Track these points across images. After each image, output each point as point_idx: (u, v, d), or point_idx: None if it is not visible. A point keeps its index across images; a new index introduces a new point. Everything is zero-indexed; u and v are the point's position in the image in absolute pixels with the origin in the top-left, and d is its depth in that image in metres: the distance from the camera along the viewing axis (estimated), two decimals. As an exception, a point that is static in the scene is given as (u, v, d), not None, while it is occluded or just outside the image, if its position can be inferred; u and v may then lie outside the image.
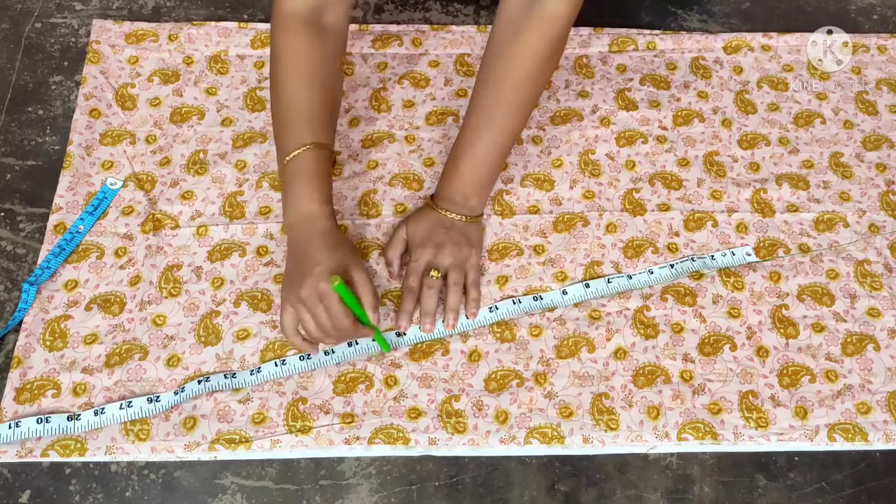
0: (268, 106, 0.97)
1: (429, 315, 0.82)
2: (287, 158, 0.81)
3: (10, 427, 0.75)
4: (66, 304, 0.83)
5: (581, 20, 1.07)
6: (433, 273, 0.82)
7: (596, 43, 1.05)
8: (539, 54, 0.82)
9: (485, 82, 0.84)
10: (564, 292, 0.85)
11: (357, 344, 0.80)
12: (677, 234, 0.90)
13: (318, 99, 0.84)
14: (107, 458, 0.75)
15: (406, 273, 0.84)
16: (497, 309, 0.84)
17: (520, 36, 0.82)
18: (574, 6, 0.82)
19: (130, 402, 0.77)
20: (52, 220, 0.88)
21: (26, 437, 0.75)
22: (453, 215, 0.84)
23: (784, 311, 0.86)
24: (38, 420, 0.75)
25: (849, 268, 0.89)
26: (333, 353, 0.80)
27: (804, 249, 0.90)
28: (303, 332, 0.78)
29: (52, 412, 0.76)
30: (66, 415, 0.76)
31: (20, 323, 0.82)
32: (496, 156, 0.86)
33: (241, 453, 0.76)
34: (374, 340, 0.80)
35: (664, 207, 0.92)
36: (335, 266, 0.76)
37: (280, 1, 0.84)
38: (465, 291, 0.84)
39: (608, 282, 0.86)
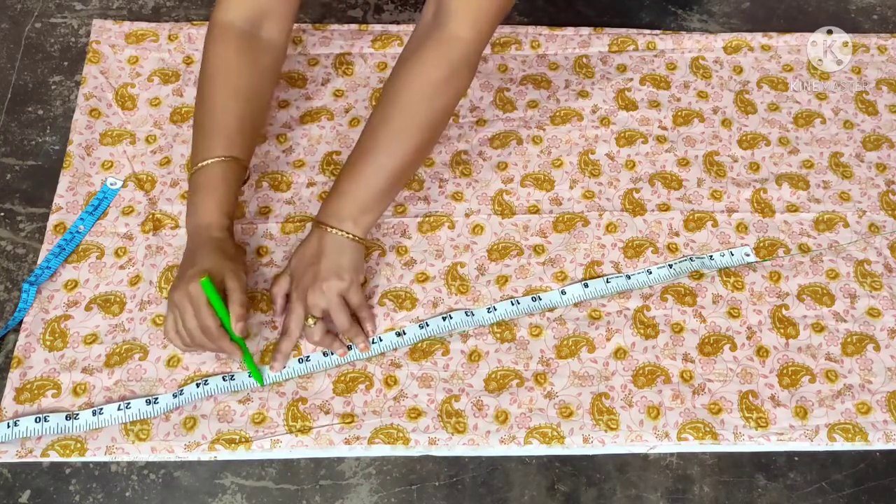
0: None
1: (321, 345, 0.80)
2: (196, 167, 0.81)
3: (8, 426, 0.75)
4: (66, 304, 0.83)
5: (581, 20, 1.08)
6: (309, 320, 0.79)
7: (596, 43, 1.05)
8: (433, 76, 0.79)
9: (379, 101, 0.81)
10: (563, 292, 0.85)
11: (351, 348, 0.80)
12: (677, 234, 0.90)
13: (238, 113, 0.83)
14: (107, 458, 0.75)
15: (285, 316, 0.81)
16: (495, 310, 0.84)
17: (416, 55, 0.80)
18: (477, 32, 0.79)
19: (129, 403, 0.76)
20: (52, 220, 0.88)
21: (25, 436, 0.75)
22: (335, 231, 0.78)
23: (784, 311, 0.86)
24: (36, 419, 0.75)
25: (849, 268, 0.89)
26: (332, 354, 0.80)
27: (804, 249, 0.90)
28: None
29: (52, 412, 0.76)
30: (65, 414, 0.76)
31: (20, 323, 0.82)
32: (381, 180, 0.79)
33: (241, 453, 0.76)
34: (247, 369, 0.78)
35: (664, 207, 0.92)
36: (209, 269, 0.75)
37: (217, 9, 0.84)
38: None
39: (607, 282, 0.86)
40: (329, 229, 0.79)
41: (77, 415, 0.76)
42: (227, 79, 0.84)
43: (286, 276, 0.82)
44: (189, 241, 0.80)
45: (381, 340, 0.81)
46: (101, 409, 0.76)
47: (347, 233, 0.79)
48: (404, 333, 0.82)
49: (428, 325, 0.82)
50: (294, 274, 0.81)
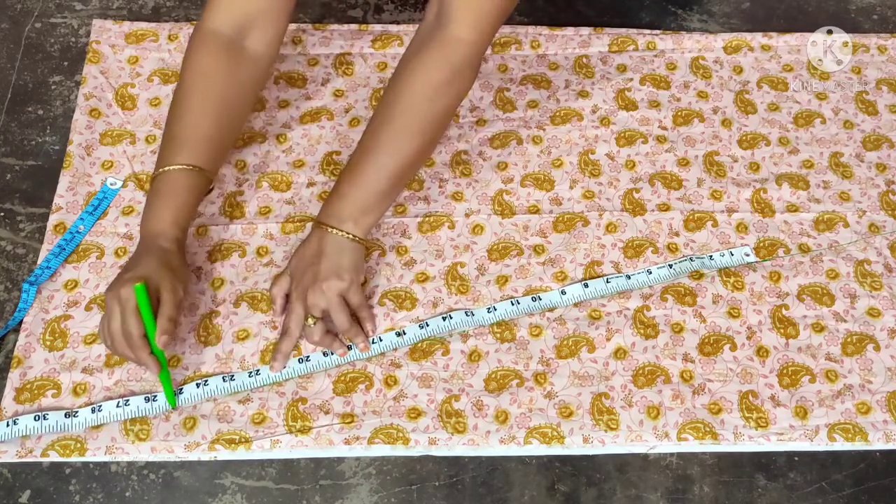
0: (268, 106, 0.98)
1: (321, 345, 0.80)
2: (157, 172, 0.80)
3: (7, 425, 0.75)
4: (66, 304, 0.83)
5: (581, 20, 1.08)
6: (308, 320, 0.79)
7: (596, 43, 1.05)
8: (434, 78, 0.79)
9: (380, 102, 0.81)
10: (563, 292, 0.85)
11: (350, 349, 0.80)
12: (677, 234, 0.90)
13: (209, 123, 0.82)
14: (107, 458, 0.75)
15: (285, 316, 0.81)
16: (495, 310, 0.84)
17: (418, 57, 0.80)
18: (479, 34, 0.79)
19: (128, 400, 0.77)
20: (52, 220, 0.88)
21: (24, 434, 0.75)
22: (335, 231, 0.79)
23: (784, 311, 0.86)
24: (35, 417, 0.75)
25: (849, 268, 0.89)
26: (332, 354, 0.80)
27: (804, 249, 0.90)
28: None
29: (52, 410, 0.76)
30: (64, 412, 0.76)
31: (20, 323, 0.82)
32: (382, 181, 0.79)
33: (241, 453, 0.76)
34: (164, 390, 0.77)
35: (664, 207, 0.92)
36: (147, 276, 0.74)
37: (204, 15, 0.83)
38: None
39: (607, 282, 0.86)
40: (329, 229, 0.79)
41: (76, 412, 0.76)
42: (202, 87, 0.82)
43: (286, 276, 0.82)
44: (138, 246, 0.79)
45: (381, 340, 0.81)
46: (100, 406, 0.76)
47: (348, 233, 0.79)
48: (404, 333, 0.82)
49: (428, 325, 0.82)
50: (294, 274, 0.81)
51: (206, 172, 0.82)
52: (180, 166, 0.80)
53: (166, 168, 0.80)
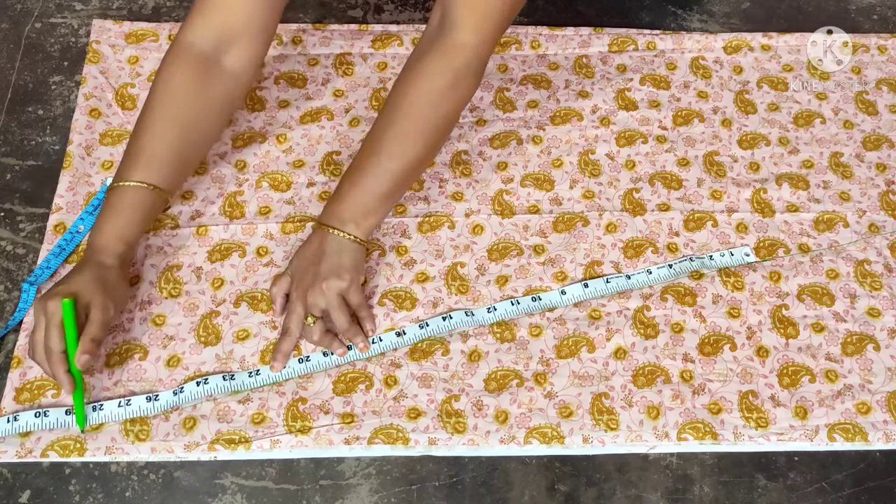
0: (268, 106, 0.98)
1: (321, 345, 0.80)
2: (112, 185, 0.79)
3: (8, 421, 0.75)
4: (66, 304, 0.83)
5: (581, 20, 1.08)
6: (308, 320, 0.79)
7: (596, 43, 1.05)
8: (438, 82, 0.79)
9: (384, 106, 0.82)
10: (563, 292, 0.85)
11: (350, 349, 0.80)
12: (677, 234, 0.90)
13: (171, 141, 0.80)
14: (107, 459, 0.75)
15: (285, 316, 0.81)
16: (495, 310, 0.84)
17: (421, 61, 0.80)
18: (482, 40, 0.79)
19: (129, 400, 0.77)
20: (52, 220, 0.88)
21: (24, 430, 0.75)
22: (336, 233, 0.79)
23: (784, 311, 0.86)
24: (35, 414, 0.75)
25: (849, 268, 0.89)
26: (332, 354, 0.80)
27: (804, 249, 0.90)
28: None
29: (52, 408, 0.76)
30: (65, 409, 0.76)
31: (20, 323, 0.82)
32: (384, 183, 0.80)
33: (240, 453, 0.76)
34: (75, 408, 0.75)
35: (664, 207, 0.92)
36: (79, 292, 0.73)
37: (183, 27, 0.82)
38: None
39: (607, 282, 0.86)
40: (330, 230, 0.79)
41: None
42: (169, 102, 0.80)
43: (286, 276, 0.82)
44: (84, 256, 0.78)
45: (380, 340, 0.81)
46: (102, 405, 0.76)
47: (349, 234, 0.79)
48: (404, 333, 0.82)
49: (428, 325, 0.82)
50: (294, 274, 0.81)
51: (162, 191, 0.80)
52: (135, 183, 0.78)
53: (120, 183, 0.78)
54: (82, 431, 0.75)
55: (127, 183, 0.78)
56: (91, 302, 0.74)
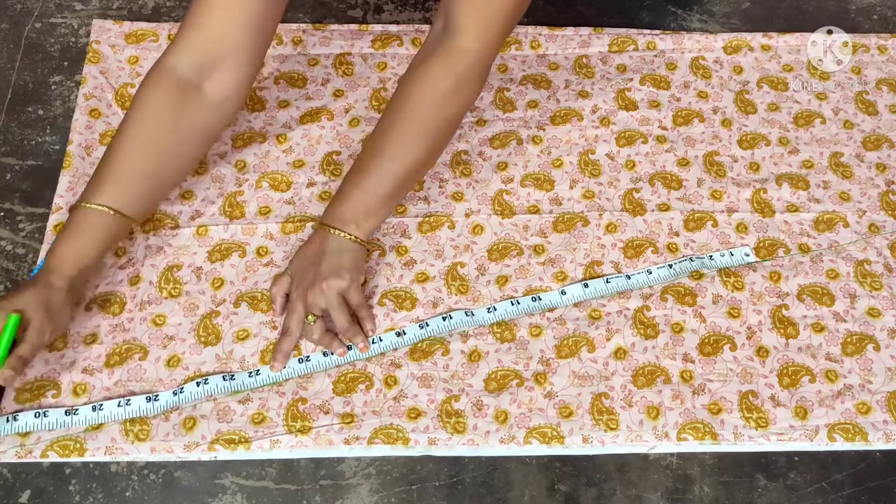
0: (268, 106, 0.98)
1: (321, 344, 0.79)
2: (78, 204, 0.77)
3: (7, 420, 0.75)
4: (66, 304, 0.83)
5: (581, 20, 1.08)
6: (308, 318, 0.78)
7: (596, 43, 1.05)
8: (441, 86, 0.79)
9: (387, 107, 0.82)
10: (563, 292, 0.85)
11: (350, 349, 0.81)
12: (677, 234, 0.90)
13: (143, 168, 0.78)
14: (107, 459, 0.75)
15: (285, 315, 0.81)
16: (495, 310, 0.84)
17: (425, 65, 0.80)
18: (486, 44, 0.79)
19: (129, 400, 0.77)
20: (52, 220, 0.88)
21: (24, 430, 0.75)
22: (337, 233, 0.79)
23: (784, 311, 0.86)
24: (35, 414, 0.75)
25: (849, 268, 0.89)
26: (332, 354, 0.80)
27: (804, 249, 0.90)
28: None
29: (52, 409, 0.76)
30: (64, 409, 0.76)
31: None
32: (387, 185, 0.80)
33: (240, 453, 0.76)
34: None
35: (664, 207, 0.92)
36: (23, 309, 0.72)
37: (168, 48, 0.79)
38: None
39: (607, 282, 0.86)
40: (331, 230, 0.79)
41: (76, 410, 0.76)
42: (144, 126, 0.78)
43: (286, 276, 0.82)
44: (39, 272, 0.77)
45: (380, 340, 0.81)
46: (101, 405, 0.76)
47: (349, 234, 0.79)
48: (404, 333, 0.82)
49: (428, 325, 0.82)
50: (295, 273, 0.81)
51: (126, 218, 0.78)
52: (98, 206, 0.76)
53: (84, 204, 0.76)
54: None
55: (90, 205, 0.76)
56: (31, 322, 0.73)
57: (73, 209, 0.78)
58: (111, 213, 0.77)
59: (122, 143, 0.78)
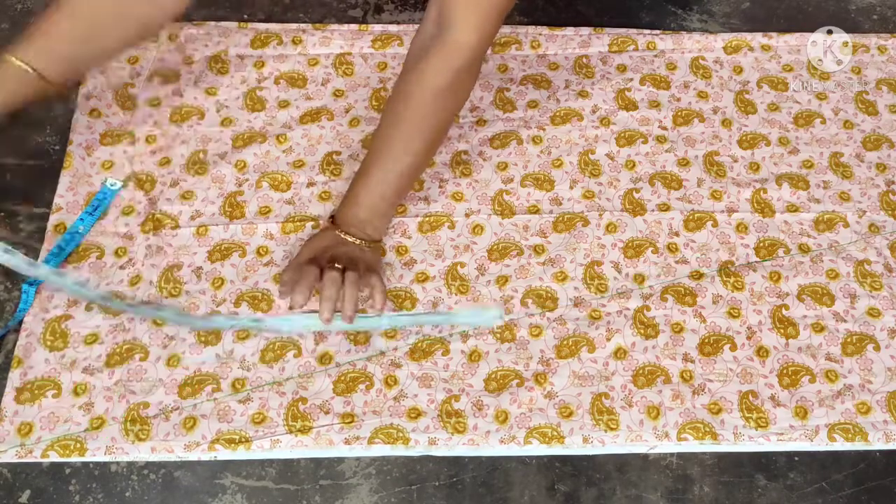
0: (268, 106, 0.98)
1: (329, 301, 0.77)
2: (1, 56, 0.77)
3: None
4: (67, 304, 0.83)
5: (581, 20, 1.08)
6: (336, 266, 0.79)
7: (596, 43, 1.05)
8: (438, 82, 0.79)
9: (386, 107, 0.83)
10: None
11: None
12: (677, 234, 0.90)
13: (77, 31, 0.78)
14: (107, 458, 0.75)
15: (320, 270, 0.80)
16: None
17: (422, 62, 0.80)
18: (481, 37, 0.79)
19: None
20: (52, 220, 0.88)
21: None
22: (352, 238, 0.81)
23: (784, 311, 0.86)
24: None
25: (849, 268, 0.89)
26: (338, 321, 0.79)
27: (804, 249, 0.90)
28: None
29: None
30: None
31: (20, 323, 0.82)
32: (393, 183, 0.82)
33: (241, 453, 0.76)
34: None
35: (664, 207, 0.92)
36: None
37: None
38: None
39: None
40: (345, 235, 0.82)
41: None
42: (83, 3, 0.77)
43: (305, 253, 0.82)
44: None
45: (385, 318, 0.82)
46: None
47: (365, 240, 0.82)
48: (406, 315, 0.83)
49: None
50: (314, 250, 0.81)
51: (44, 80, 0.77)
52: (20, 62, 0.76)
53: (8, 56, 0.76)
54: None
55: (13, 59, 0.76)
56: None
57: None
58: (31, 71, 0.76)
59: (61, 4, 0.77)
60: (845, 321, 0.85)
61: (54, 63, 0.78)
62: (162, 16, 0.83)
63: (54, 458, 0.75)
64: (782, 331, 0.85)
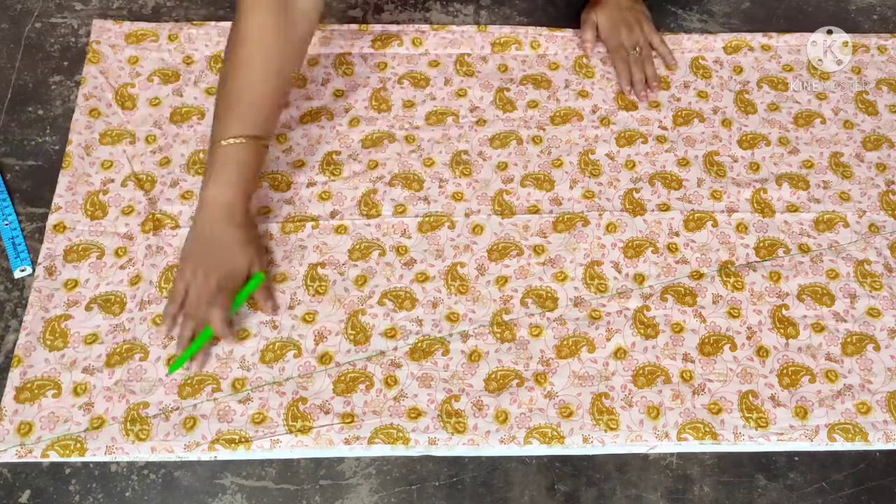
0: (268, 106, 0.98)
1: (640, 82, 0.99)
2: (224, 143, 0.81)
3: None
4: (67, 304, 0.83)
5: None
6: (637, 49, 1.00)
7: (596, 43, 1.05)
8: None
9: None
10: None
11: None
12: (677, 234, 0.90)
13: (271, 88, 0.83)
14: (107, 458, 0.75)
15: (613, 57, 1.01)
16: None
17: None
18: None
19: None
20: (52, 219, 0.88)
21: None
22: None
23: (784, 311, 0.86)
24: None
25: (849, 268, 0.89)
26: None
27: (804, 249, 0.90)
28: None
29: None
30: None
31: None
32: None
33: (241, 453, 0.76)
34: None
35: (664, 207, 0.92)
36: (259, 268, 0.82)
37: None
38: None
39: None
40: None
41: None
42: (265, 51, 0.82)
43: (591, 25, 1.03)
44: (208, 217, 0.81)
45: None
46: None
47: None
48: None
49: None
50: (603, 28, 1.02)
51: (266, 138, 0.84)
52: (247, 138, 0.81)
53: (234, 140, 0.81)
54: (168, 374, 0.79)
55: (243, 139, 0.81)
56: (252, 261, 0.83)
57: (218, 149, 0.81)
58: (258, 139, 0.82)
59: (244, 71, 0.82)
60: (845, 321, 0.85)
61: (265, 124, 0.85)
62: (313, 26, 0.88)
63: (54, 457, 0.75)
64: (782, 331, 0.85)
